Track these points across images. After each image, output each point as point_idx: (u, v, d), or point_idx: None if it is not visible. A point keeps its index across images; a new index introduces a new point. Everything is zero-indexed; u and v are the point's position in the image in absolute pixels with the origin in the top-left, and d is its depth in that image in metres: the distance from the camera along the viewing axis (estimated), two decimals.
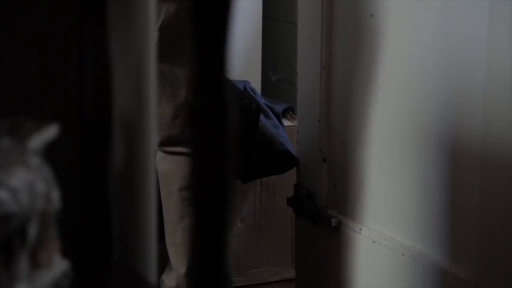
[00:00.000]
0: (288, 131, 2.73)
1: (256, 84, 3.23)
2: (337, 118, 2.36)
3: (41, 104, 1.07)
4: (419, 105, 2.08)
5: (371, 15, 2.20)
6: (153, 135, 1.09)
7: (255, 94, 2.73)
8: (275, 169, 2.64)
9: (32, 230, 0.76)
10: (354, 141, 2.28)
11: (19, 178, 0.75)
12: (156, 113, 1.11)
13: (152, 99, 1.09)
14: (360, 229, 2.26)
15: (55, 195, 0.81)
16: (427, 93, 2.06)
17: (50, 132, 0.82)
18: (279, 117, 2.74)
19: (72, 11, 1.05)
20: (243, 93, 2.65)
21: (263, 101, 2.71)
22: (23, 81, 1.07)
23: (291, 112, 2.99)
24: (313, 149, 2.43)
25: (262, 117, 2.60)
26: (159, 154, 2.40)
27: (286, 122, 2.87)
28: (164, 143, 2.38)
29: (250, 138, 2.56)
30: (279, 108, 2.81)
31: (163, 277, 2.56)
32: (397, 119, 2.16)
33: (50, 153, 0.82)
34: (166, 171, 2.38)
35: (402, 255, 2.12)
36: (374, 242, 2.22)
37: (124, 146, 1.04)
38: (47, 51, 1.07)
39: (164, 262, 2.51)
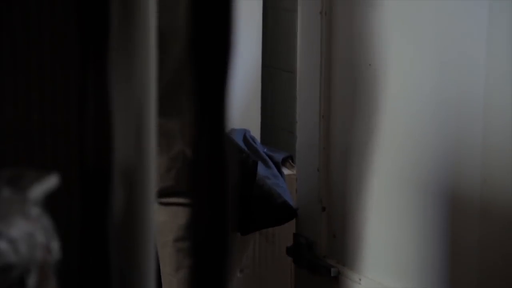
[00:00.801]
0: (288, 179, 2.73)
1: (255, 132, 3.23)
2: (336, 167, 2.36)
3: (41, 153, 1.07)
4: (418, 154, 2.08)
5: (370, 64, 2.21)
6: (153, 184, 1.09)
7: (255, 142, 2.73)
8: (274, 221, 2.64)
9: (32, 281, 0.75)
10: (354, 190, 2.28)
11: (19, 228, 0.75)
12: (155, 163, 1.11)
13: (152, 148, 1.09)
14: (360, 279, 2.25)
15: (55, 245, 0.80)
16: (427, 142, 2.06)
17: (51, 182, 0.82)
18: (279, 166, 2.74)
19: (73, 60, 1.06)
20: (240, 146, 2.65)
21: (264, 150, 2.71)
22: (24, 130, 1.08)
23: (290, 161, 2.99)
24: (312, 198, 2.43)
25: (261, 167, 2.60)
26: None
27: (285, 171, 2.87)
28: (159, 194, 2.38)
29: (248, 191, 2.56)
30: (279, 156, 2.81)
31: None
32: (396, 167, 2.16)
33: (50, 203, 0.82)
34: (160, 222, 2.38)
35: None
36: None
37: (124, 196, 1.04)
38: (48, 99, 1.08)
39: None
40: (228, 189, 0.79)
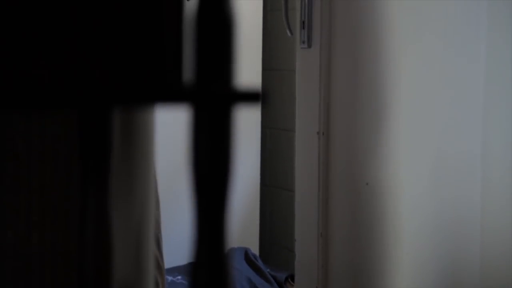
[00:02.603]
0: None
1: (255, 249, 3.23)
2: (335, 285, 2.36)
3: (41, 275, 1.08)
4: (415, 273, 2.08)
5: (367, 183, 2.23)
6: None
7: (256, 260, 2.73)
8: None
9: None
10: None
11: None
12: (153, 282, 1.11)
13: (150, 268, 1.10)
14: None
15: None
16: (424, 262, 2.07)
17: None
18: (281, 286, 2.73)
19: (74, 181, 1.07)
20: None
21: (267, 270, 2.71)
22: (24, 252, 1.08)
23: (290, 279, 2.98)
24: None
25: None
26: None
27: None
28: None
29: None
30: (282, 276, 2.81)
31: None
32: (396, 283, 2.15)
33: None
34: None
35: None
36: None
37: None
38: (48, 221, 1.09)
39: None
40: None
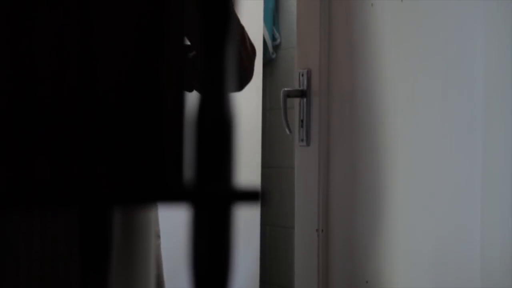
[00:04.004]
0: None
1: None
2: None
3: None
4: None
5: (367, 282, 2.23)
6: None
7: None
8: None
9: None
10: None
11: None
12: None
13: None
14: None
15: None
16: None
17: None
18: None
19: (73, 283, 1.07)
20: None
21: None
22: None
23: None
24: None
25: None
26: None
27: None
28: None
29: None
30: None
31: None
32: None
33: None
34: None
35: None
36: None
37: None
38: None
39: None
40: None
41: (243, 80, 1.91)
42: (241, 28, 1.83)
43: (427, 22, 2.14)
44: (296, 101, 2.46)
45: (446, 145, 2.05)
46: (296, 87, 2.47)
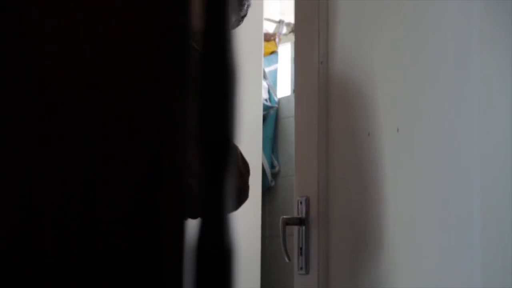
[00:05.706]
0: None
1: None
2: None
3: None
4: None
5: None
6: None
7: None
8: None
9: None
10: None
11: None
12: None
13: None
14: None
15: None
16: None
17: None
18: None
19: None
20: None
21: None
22: None
23: None
24: None
25: None
26: None
27: None
28: None
29: None
30: None
31: None
32: None
33: None
34: None
35: None
36: None
37: None
38: None
39: None
40: None
41: (238, 199, 1.93)
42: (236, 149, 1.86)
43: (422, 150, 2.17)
44: (295, 228, 2.47)
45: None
46: (295, 215, 2.48)
